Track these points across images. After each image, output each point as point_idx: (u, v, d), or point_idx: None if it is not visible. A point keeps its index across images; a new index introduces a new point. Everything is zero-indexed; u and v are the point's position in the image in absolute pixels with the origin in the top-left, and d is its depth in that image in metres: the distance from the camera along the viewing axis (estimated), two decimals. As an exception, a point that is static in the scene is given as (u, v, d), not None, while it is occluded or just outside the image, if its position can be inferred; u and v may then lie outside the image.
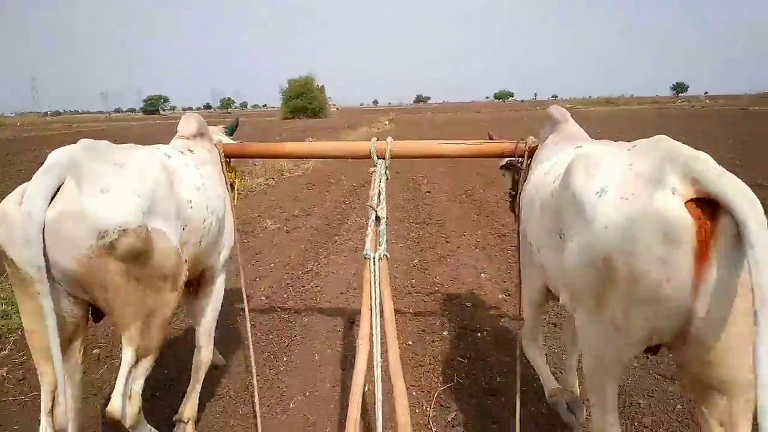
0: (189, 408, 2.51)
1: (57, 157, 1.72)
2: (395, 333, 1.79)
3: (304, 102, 50.61)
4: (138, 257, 1.75)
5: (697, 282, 1.33)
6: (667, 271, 1.33)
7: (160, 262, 1.85)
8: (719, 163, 1.39)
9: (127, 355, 1.82)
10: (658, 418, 2.73)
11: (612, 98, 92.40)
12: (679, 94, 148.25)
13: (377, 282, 1.89)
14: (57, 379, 1.64)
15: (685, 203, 1.33)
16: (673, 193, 1.35)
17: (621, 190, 1.46)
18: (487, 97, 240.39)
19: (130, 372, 1.83)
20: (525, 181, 2.45)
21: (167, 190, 1.96)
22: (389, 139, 2.84)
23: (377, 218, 2.21)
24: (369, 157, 2.78)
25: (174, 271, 1.93)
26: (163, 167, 2.03)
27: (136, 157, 1.94)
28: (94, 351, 3.51)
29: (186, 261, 2.06)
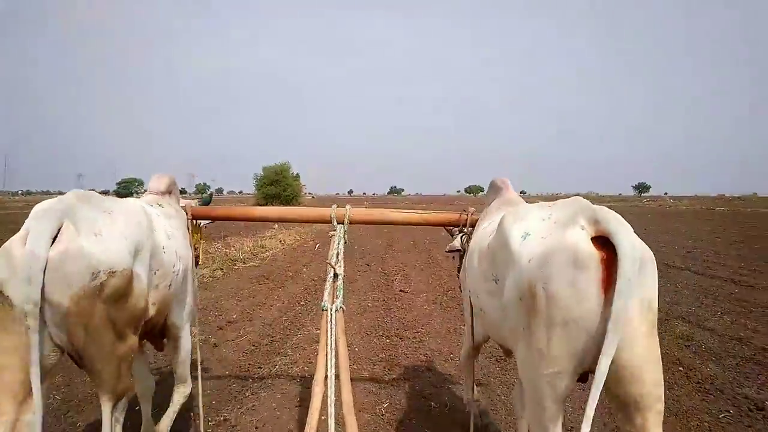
0: (165, 424, 2.72)
1: (51, 203, 1.84)
2: (348, 376, 2.01)
3: (278, 189, 49.59)
4: (120, 299, 1.87)
5: (605, 305, 1.56)
6: (577, 294, 1.59)
7: (134, 304, 1.96)
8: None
9: (106, 403, 1.90)
10: None
11: (580, 195, 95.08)
12: (642, 194, 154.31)
13: (334, 331, 2.17)
14: (16, 418, 1.69)
15: (591, 239, 1.64)
16: (582, 229, 1.67)
17: (541, 232, 1.78)
18: (458, 191, 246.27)
19: (111, 416, 1.92)
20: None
21: (148, 235, 2.13)
22: (348, 206, 3.10)
23: (335, 275, 2.53)
24: (329, 221, 3.02)
25: (141, 314, 2.04)
26: (145, 214, 2.23)
27: (121, 205, 2.12)
28: None
29: (154, 304, 2.21)
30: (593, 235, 1.65)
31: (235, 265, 10.29)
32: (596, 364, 1.55)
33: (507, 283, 1.85)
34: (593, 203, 1.78)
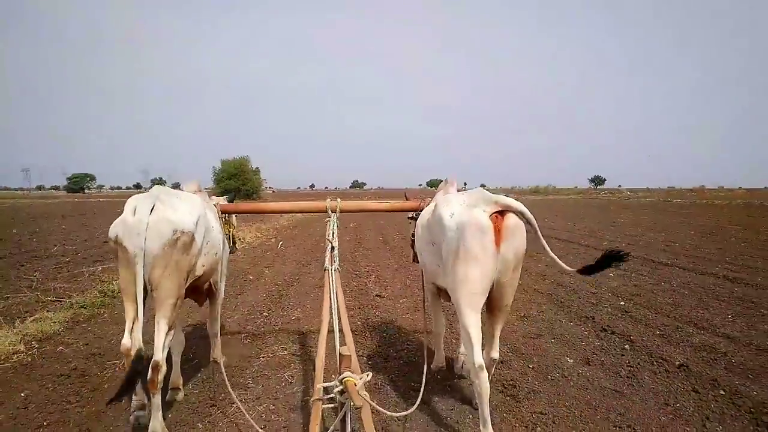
0: (217, 352, 4.04)
1: (147, 194, 3.02)
2: (345, 310, 3.09)
3: (237, 183, 47.74)
4: (185, 250, 2.97)
5: (497, 252, 2.81)
6: (483, 249, 2.80)
7: (192, 257, 3.06)
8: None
9: (162, 325, 2.90)
10: None
11: (540, 188, 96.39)
12: (598, 186, 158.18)
13: (333, 284, 3.28)
14: (136, 315, 2.76)
15: (489, 216, 2.84)
16: (483, 211, 2.87)
17: (459, 212, 2.97)
18: (420, 185, 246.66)
19: (165, 337, 2.91)
20: None
21: (203, 216, 3.25)
22: (338, 199, 4.40)
23: (332, 247, 3.77)
24: (326, 211, 4.28)
25: (191, 267, 3.10)
26: (202, 203, 3.38)
27: (187, 195, 3.30)
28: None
29: (203, 266, 3.33)
30: (490, 212, 2.86)
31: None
32: (494, 285, 2.92)
33: (443, 244, 3.05)
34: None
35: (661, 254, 10.37)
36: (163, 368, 2.86)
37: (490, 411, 2.93)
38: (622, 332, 5.08)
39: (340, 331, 2.90)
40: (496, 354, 3.15)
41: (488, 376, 2.83)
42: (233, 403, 3.49)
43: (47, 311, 5.80)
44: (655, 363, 4.26)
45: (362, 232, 15.55)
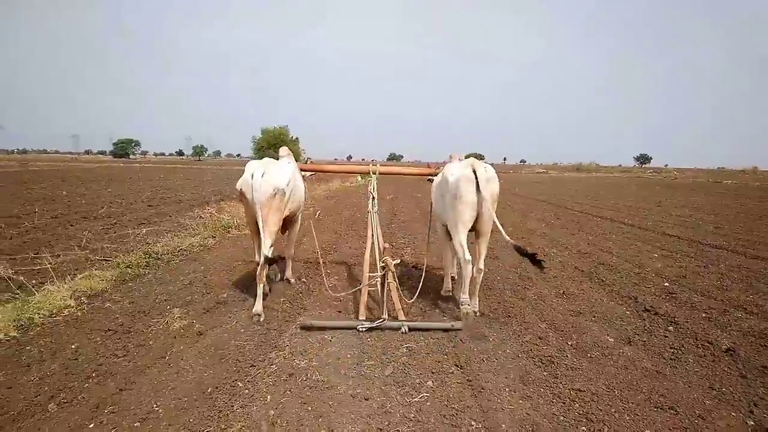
0: (289, 272, 6.10)
1: (259, 163, 4.85)
2: (382, 239, 5.41)
3: (277, 152, 48.19)
4: (280, 201, 4.69)
5: (478, 194, 4.58)
6: (470, 192, 4.59)
7: (284, 203, 4.77)
8: None
9: (267, 239, 4.59)
10: None
11: (583, 165, 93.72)
12: (643, 165, 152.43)
13: (374, 220, 5.56)
14: (258, 240, 4.77)
15: (473, 171, 4.64)
16: (470, 169, 4.65)
17: (457, 171, 4.76)
18: (459, 159, 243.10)
19: (269, 246, 4.62)
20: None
21: (292, 177, 4.98)
22: (378, 164, 6.17)
23: (373, 197, 5.73)
24: (368, 172, 6.07)
25: (282, 208, 4.78)
26: (292, 168, 5.23)
27: (283, 163, 5.12)
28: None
29: (290, 209, 5.06)
30: (473, 170, 4.59)
31: (229, 232, 9.43)
32: (478, 217, 4.67)
33: (446, 194, 4.80)
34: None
35: (710, 236, 9.94)
36: (268, 263, 4.71)
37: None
38: (665, 313, 4.92)
39: (380, 241, 5.20)
40: (482, 265, 4.77)
41: (478, 282, 4.81)
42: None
43: (95, 269, 6.04)
44: (700, 346, 4.12)
45: (398, 203, 15.52)
